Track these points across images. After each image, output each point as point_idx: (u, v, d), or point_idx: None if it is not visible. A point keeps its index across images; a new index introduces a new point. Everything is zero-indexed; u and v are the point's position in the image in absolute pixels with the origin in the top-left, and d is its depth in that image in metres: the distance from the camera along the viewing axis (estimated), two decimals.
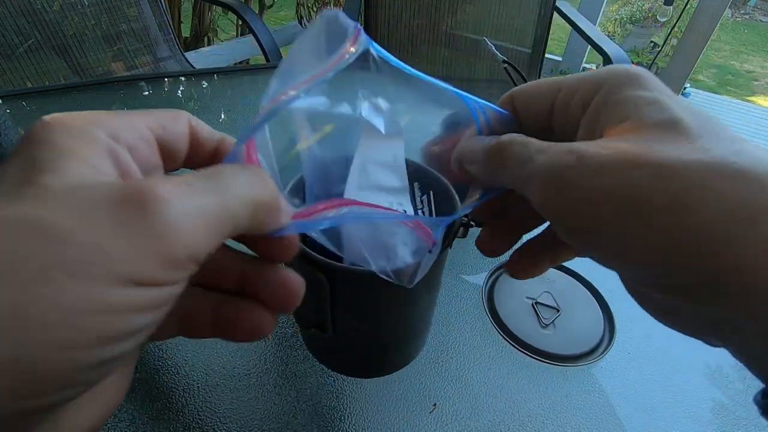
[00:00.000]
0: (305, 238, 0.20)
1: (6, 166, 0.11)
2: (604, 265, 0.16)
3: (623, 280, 0.17)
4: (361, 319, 0.25)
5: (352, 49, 0.15)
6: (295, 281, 0.17)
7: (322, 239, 0.19)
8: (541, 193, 0.15)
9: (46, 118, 0.12)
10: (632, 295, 0.17)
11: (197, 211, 0.12)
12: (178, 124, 0.15)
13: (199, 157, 0.16)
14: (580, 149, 0.14)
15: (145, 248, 0.11)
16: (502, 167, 0.17)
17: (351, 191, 0.21)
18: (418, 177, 0.25)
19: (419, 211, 0.24)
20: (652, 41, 3.38)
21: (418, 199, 0.25)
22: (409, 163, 0.24)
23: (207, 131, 0.17)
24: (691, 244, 0.13)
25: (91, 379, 0.11)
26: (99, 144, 0.12)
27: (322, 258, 0.20)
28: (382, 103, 0.22)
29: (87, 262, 0.10)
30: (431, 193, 0.25)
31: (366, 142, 0.22)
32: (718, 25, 1.70)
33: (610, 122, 0.15)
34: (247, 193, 0.13)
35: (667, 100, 0.15)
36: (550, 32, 1.44)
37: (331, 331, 0.25)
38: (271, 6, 2.38)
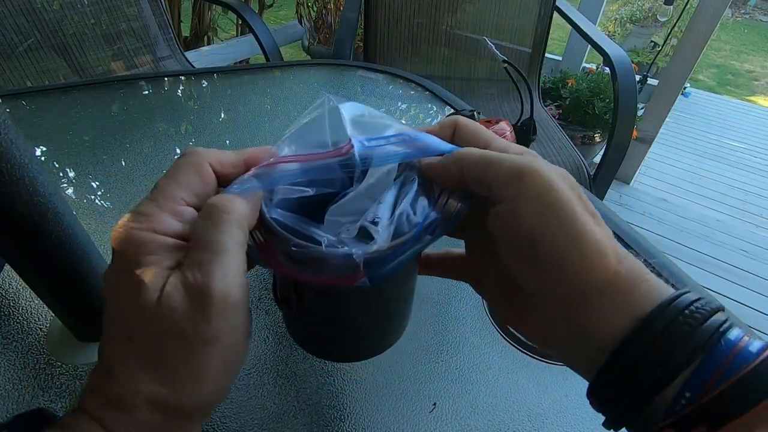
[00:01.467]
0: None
1: (127, 303, 0.18)
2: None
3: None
4: (320, 298, 0.25)
5: (340, 155, 0.21)
6: None
7: (289, 218, 0.20)
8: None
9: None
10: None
11: (223, 277, 0.18)
12: (205, 182, 0.20)
13: (228, 182, 0.21)
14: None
15: (227, 317, 0.18)
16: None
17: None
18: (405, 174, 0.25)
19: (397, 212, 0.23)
20: (652, 41, 3.38)
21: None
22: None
23: (227, 160, 0.21)
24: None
25: (229, 388, 0.20)
26: (175, 251, 0.19)
27: (276, 227, 0.20)
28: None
29: (213, 343, 0.18)
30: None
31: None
32: (718, 24, 1.69)
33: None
34: (228, 239, 0.19)
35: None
36: (550, 32, 1.44)
37: (295, 307, 0.25)
38: (271, 5, 2.38)
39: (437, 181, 0.23)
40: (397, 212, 0.21)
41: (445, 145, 0.23)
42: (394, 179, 0.23)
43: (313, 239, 0.20)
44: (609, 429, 0.19)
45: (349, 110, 0.23)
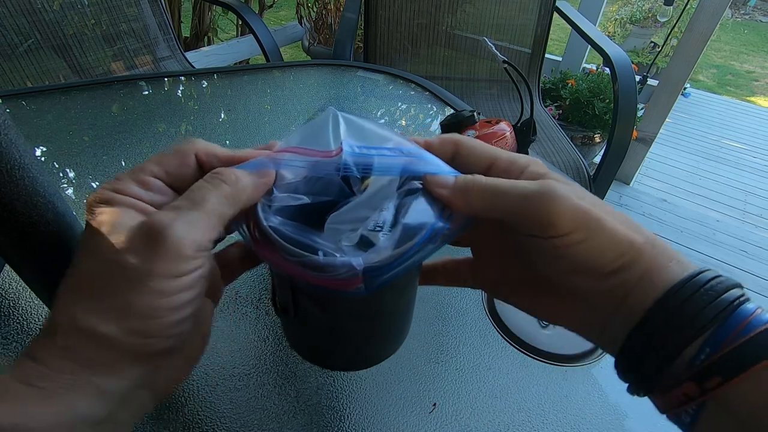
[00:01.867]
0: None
1: (84, 236, 0.20)
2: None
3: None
4: (318, 307, 0.24)
5: (329, 156, 0.22)
6: None
7: (289, 226, 0.20)
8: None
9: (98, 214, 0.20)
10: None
11: (186, 222, 0.19)
12: (184, 164, 0.22)
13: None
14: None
15: (173, 259, 0.18)
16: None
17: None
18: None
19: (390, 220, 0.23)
20: (652, 41, 3.38)
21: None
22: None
23: (219, 153, 0.22)
24: (619, 247, 0.20)
25: (174, 333, 0.19)
26: (128, 207, 0.20)
27: (275, 236, 0.20)
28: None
29: (149, 277, 0.18)
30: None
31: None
32: (718, 25, 1.69)
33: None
34: (214, 201, 0.20)
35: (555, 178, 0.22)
36: (550, 32, 1.44)
37: (293, 314, 0.25)
38: (271, 6, 2.38)
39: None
40: (401, 220, 0.21)
41: (445, 168, 0.23)
42: (397, 189, 0.23)
43: (311, 248, 0.19)
44: (633, 394, 0.21)
45: (350, 119, 0.23)
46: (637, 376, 0.20)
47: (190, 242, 0.19)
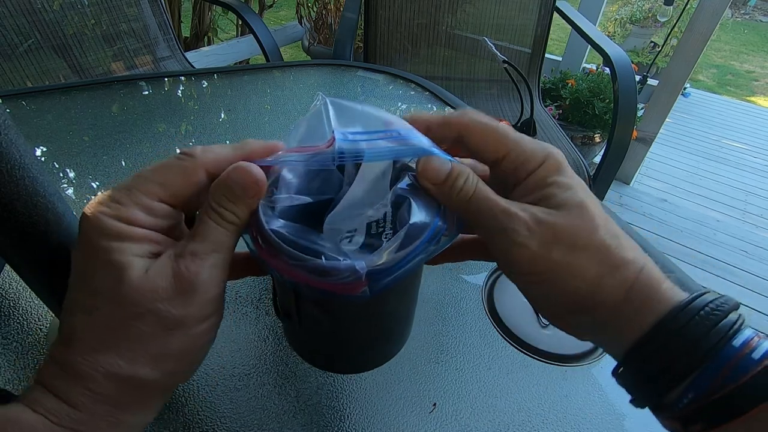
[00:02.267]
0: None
1: (91, 272, 0.19)
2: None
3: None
4: (322, 312, 0.24)
5: (326, 149, 0.21)
6: None
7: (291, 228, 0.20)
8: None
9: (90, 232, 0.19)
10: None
11: (211, 268, 0.20)
12: (190, 184, 0.21)
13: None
14: (529, 227, 0.20)
15: (204, 304, 0.20)
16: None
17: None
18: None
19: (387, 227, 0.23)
20: (652, 41, 3.38)
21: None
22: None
23: (224, 157, 0.21)
24: (577, 294, 0.20)
25: (198, 365, 0.22)
26: (137, 241, 0.19)
27: (277, 241, 0.19)
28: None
29: (184, 324, 0.19)
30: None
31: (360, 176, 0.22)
32: (718, 25, 1.69)
33: (539, 192, 0.21)
34: (229, 241, 0.20)
35: (577, 186, 0.21)
36: (550, 32, 1.44)
37: (296, 320, 0.25)
38: (271, 6, 2.38)
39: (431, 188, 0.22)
40: (403, 221, 0.20)
41: (437, 151, 0.22)
42: (393, 182, 0.23)
43: (314, 251, 0.19)
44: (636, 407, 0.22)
45: (339, 104, 0.23)
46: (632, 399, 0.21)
47: (216, 286, 0.20)
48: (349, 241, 0.20)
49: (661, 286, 0.20)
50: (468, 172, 0.21)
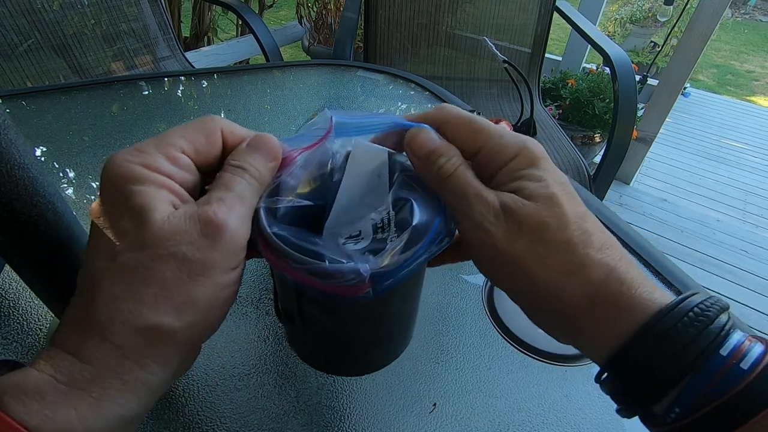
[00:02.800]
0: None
1: (115, 217, 0.18)
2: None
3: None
4: (325, 314, 0.24)
5: (325, 141, 0.22)
6: None
7: (295, 233, 0.20)
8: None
9: (111, 172, 0.19)
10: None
11: (238, 217, 0.19)
12: (211, 143, 0.21)
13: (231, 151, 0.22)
14: (498, 218, 0.20)
15: (231, 252, 0.19)
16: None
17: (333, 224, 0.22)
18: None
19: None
20: (652, 41, 3.38)
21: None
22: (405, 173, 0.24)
23: (239, 132, 0.22)
24: (543, 291, 0.20)
25: (220, 322, 0.20)
26: (161, 187, 0.19)
27: (280, 244, 0.20)
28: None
29: (211, 269, 0.18)
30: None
31: (350, 172, 0.22)
32: (718, 24, 1.69)
33: (511, 185, 0.21)
34: (252, 196, 0.21)
35: (550, 178, 0.21)
36: (550, 32, 1.44)
37: (299, 322, 0.25)
38: (271, 6, 2.38)
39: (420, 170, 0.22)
40: (406, 222, 0.21)
41: (429, 129, 0.23)
42: (390, 183, 0.23)
43: (316, 253, 0.19)
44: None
45: (338, 112, 0.23)
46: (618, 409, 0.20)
47: (242, 236, 0.19)
48: (355, 244, 0.20)
49: (636, 290, 0.18)
50: (453, 153, 0.22)
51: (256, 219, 0.21)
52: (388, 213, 0.21)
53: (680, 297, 0.18)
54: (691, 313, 0.17)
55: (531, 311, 0.22)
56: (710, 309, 0.18)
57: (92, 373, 0.16)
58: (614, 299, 0.19)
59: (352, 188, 0.22)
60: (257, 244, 0.21)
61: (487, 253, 0.20)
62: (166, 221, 0.18)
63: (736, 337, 0.17)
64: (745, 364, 0.16)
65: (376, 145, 0.23)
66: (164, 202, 0.18)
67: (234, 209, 0.19)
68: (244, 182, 0.20)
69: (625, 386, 0.18)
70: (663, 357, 0.17)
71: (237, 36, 2.27)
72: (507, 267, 0.20)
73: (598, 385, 0.21)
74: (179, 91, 0.79)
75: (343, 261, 0.19)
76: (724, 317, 0.18)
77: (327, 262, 0.19)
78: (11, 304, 0.40)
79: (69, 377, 0.16)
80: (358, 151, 0.23)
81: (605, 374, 0.20)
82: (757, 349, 0.17)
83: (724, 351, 0.17)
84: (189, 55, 1.56)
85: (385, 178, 0.23)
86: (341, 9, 2.00)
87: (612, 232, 0.52)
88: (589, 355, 0.20)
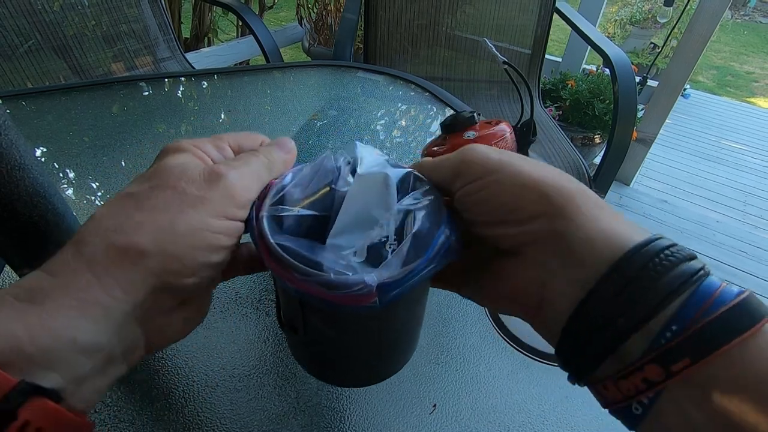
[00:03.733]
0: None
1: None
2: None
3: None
4: (328, 324, 0.24)
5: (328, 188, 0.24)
6: None
7: (299, 243, 0.20)
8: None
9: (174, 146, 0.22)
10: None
11: (240, 175, 0.21)
12: (254, 142, 0.25)
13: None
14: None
15: (226, 197, 0.20)
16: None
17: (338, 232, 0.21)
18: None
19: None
20: (651, 42, 3.38)
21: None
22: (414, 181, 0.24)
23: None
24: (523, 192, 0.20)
25: (199, 274, 0.20)
26: (197, 157, 0.22)
27: (284, 255, 0.19)
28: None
29: (202, 205, 0.19)
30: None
31: (355, 188, 0.22)
32: (717, 26, 1.69)
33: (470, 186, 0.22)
34: (260, 166, 0.23)
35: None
36: (550, 33, 1.44)
37: (302, 332, 0.24)
38: (272, 7, 2.38)
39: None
40: (410, 231, 0.20)
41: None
42: (406, 196, 0.22)
43: (320, 265, 0.19)
44: (573, 383, 0.20)
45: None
46: (583, 360, 0.18)
47: (241, 190, 0.21)
48: (355, 254, 0.20)
49: (616, 214, 0.20)
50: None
51: (259, 228, 0.21)
52: (393, 225, 0.21)
53: (654, 234, 0.18)
54: (675, 246, 0.18)
55: (502, 226, 0.22)
56: (683, 249, 0.18)
57: (52, 285, 0.16)
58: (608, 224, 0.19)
59: (358, 199, 0.22)
60: (261, 254, 0.21)
61: (474, 167, 0.21)
62: (179, 165, 0.20)
63: (716, 277, 0.17)
64: (734, 289, 0.16)
65: (382, 156, 0.24)
66: (195, 163, 0.21)
67: (238, 169, 0.21)
68: (254, 158, 0.23)
69: (604, 317, 0.17)
70: (657, 275, 0.17)
71: (237, 37, 2.27)
72: (492, 174, 0.21)
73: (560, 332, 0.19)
74: (179, 92, 0.79)
75: (348, 273, 0.19)
76: (698, 262, 0.18)
77: (331, 274, 0.19)
78: None
79: (30, 293, 0.16)
80: (365, 162, 0.23)
81: (574, 319, 0.18)
82: (736, 287, 0.17)
83: (713, 278, 0.17)
84: (189, 56, 1.56)
85: (393, 190, 0.22)
86: (341, 10, 2.00)
87: None
88: (556, 286, 0.19)
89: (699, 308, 0.16)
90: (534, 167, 0.21)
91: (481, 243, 0.23)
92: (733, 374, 0.15)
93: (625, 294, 0.17)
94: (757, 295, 0.17)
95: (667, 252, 0.17)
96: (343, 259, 0.20)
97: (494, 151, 0.22)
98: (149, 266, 0.18)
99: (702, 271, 0.17)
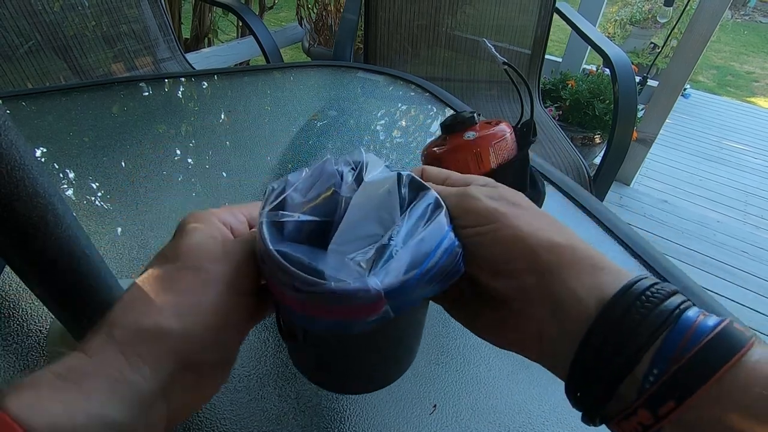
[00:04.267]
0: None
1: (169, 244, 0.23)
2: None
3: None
4: (328, 333, 0.24)
5: (328, 193, 0.23)
6: None
7: (300, 250, 0.20)
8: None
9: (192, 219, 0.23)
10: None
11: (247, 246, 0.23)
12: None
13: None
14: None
15: (240, 271, 0.22)
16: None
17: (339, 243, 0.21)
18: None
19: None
20: (652, 42, 3.38)
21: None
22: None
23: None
24: (522, 242, 0.21)
25: (217, 347, 0.21)
26: (216, 226, 0.23)
27: (282, 262, 0.19)
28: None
29: (223, 284, 0.21)
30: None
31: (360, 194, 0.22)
32: (718, 26, 1.69)
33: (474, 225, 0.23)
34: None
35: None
36: (550, 33, 1.44)
37: (302, 339, 0.24)
38: (272, 7, 2.38)
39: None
40: (414, 237, 0.20)
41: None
42: (411, 204, 0.22)
43: (320, 272, 0.19)
44: (588, 423, 0.20)
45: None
46: (588, 403, 0.19)
47: (255, 266, 0.22)
48: (359, 263, 0.20)
49: (605, 263, 0.20)
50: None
51: (259, 238, 0.21)
52: (396, 230, 0.21)
53: (636, 277, 0.19)
54: (651, 290, 0.18)
55: (503, 270, 0.22)
56: (663, 290, 0.18)
57: (89, 367, 0.17)
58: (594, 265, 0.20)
59: (363, 206, 0.21)
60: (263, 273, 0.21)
61: (473, 214, 0.22)
62: (201, 243, 0.21)
63: (694, 309, 0.18)
64: (710, 322, 0.17)
65: (385, 163, 0.24)
66: (215, 235, 0.22)
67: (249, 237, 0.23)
68: None
69: (599, 362, 0.18)
70: (632, 324, 0.17)
71: (237, 37, 2.27)
72: (490, 224, 0.21)
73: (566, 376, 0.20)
74: (179, 93, 0.79)
75: (349, 281, 0.18)
76: (679, 297, 0.18)
77: (332, 282, 0.18)
78: (11, 306, 0.40)
79: (69, 371, 0.17)
80: (370, 169, 0.23)
81: (573, 367, 0.19)
82: (714, 318, 0.17)
83: (692, 314, 0.17)
84: (189, 56, 1.56)
85: (396, 197, 0.22)
86: (341, 10, 2.00)
87: (612, 233, 0.52)
88: (559, 349, 0.20)
89: (677, 347, 0.16)
90: (528, 220, 0.21)
91: (479, 286, 0.23)
92: (716, 414, 0.15)
93: (609, 344, 0.18)
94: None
95: (648, 293, 0.18)
96: (346, 266, 0.19)
97: (491, 199, 0.22)
98: (174, 346, 0.19)
99: (679, 309, 0.17)
